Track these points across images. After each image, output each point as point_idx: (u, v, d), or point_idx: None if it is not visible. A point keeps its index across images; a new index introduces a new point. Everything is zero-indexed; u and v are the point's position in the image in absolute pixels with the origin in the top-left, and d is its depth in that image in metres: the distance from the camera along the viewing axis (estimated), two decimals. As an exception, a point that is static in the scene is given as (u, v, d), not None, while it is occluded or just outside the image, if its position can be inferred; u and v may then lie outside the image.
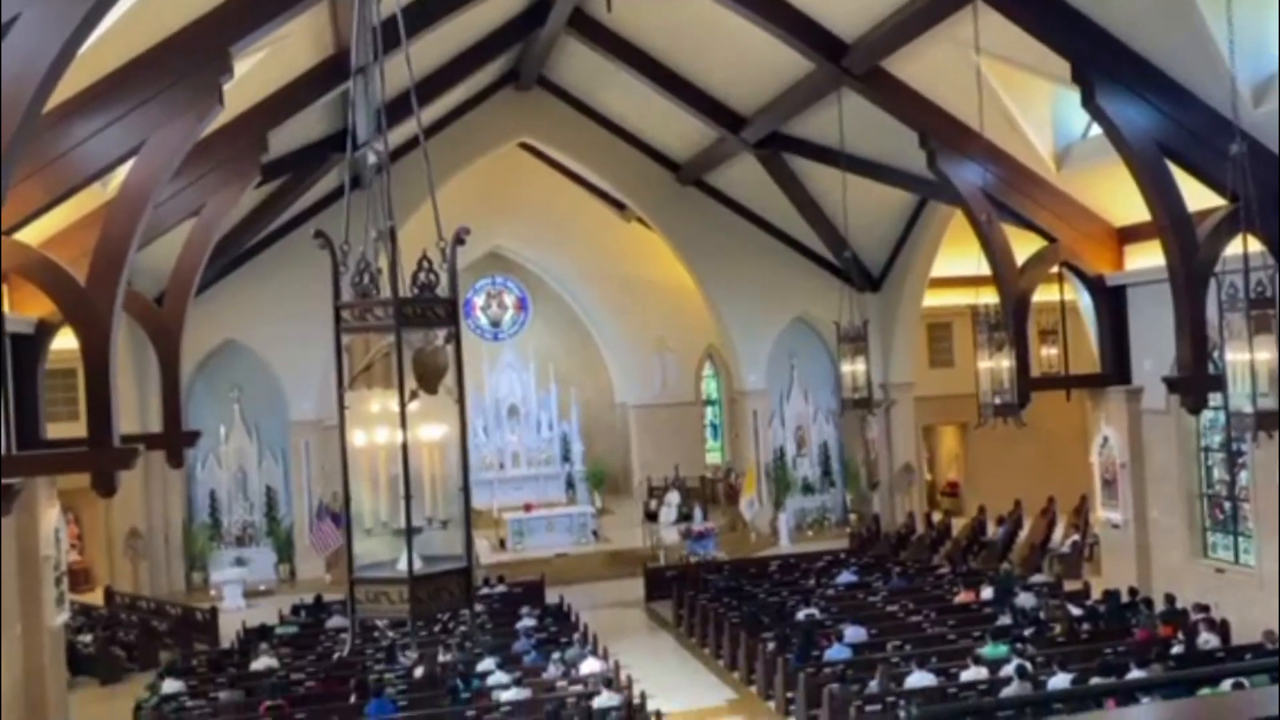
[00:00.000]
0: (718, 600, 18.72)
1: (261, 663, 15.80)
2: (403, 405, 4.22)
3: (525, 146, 26.84)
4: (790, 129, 21.16)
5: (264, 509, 24.02)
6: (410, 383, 4.24)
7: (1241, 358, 11.13)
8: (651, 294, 29.42)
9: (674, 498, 26.09)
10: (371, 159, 5.10)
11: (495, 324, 32.25)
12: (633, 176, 25.90)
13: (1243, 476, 16.34)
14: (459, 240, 4.37)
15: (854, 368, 18.26)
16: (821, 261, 25.58)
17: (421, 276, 4.32)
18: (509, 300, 32.43)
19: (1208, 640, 14.23)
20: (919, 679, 13.24)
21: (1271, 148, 13.86)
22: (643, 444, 30.23)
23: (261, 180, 17.06)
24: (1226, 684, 8.88)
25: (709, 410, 31.89)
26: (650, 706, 13.09)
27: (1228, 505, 16.82)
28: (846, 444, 26.88)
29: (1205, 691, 9.30)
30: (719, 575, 20.65)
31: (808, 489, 26.65)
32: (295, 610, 19.64)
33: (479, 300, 32.00)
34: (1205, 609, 15.20)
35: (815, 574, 20.76)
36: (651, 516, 25.81)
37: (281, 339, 23.17)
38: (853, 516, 26.40)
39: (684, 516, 25.07)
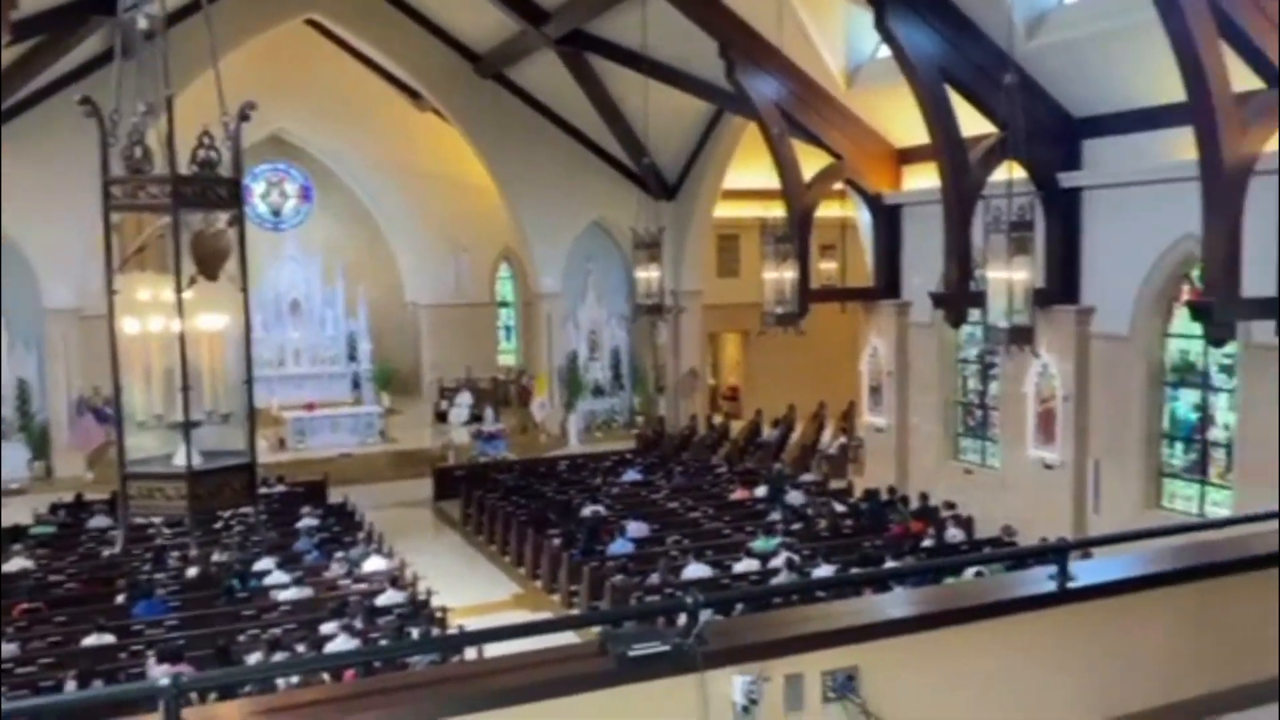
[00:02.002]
0: (506, 499, 18.92)
1: (15, 564, 14.79)
2: (179, 291, 3.96)
3: (312, 24, 25.26)
4: (594, 28, 20.86)
5: (15, 403, 22.20)
6: (188, 268, 3.98)
7: (1001, 277, 12.06)
8: (447, 190, 28.65)
9: (465, 399, 25.97)
10: (142, 23, 4.66)
11: (276, 213, 30.60)
12: (429, 65, 24.91)
13: (993, 387, 17.82)
14: (244, 116, 4.08)
15: (648, 274, 18.53)
16: (620, 167, 25.62)
17: (201, 153, 4.03)
18: (291, 189, 30.77)
19: (955, 534, 15.63)
20: (695, 570, 13.93)
21: (1041, 80, 14.86)
22: (434, 344, 29.78)
23: (11, 39, 15.30)
24: (969, 572, 9.80)
25: (503, 312, 31.68)
26: (436, 602, 13.18)
27: (979, 413, 18.34)
28: (637, 349, 27.42)
29: (950, 580, 10.25)
30: (508, 475, 20.83)
31: (598, 392, 27.11)
32: (53, 510, 18.41)
33: (258, 187, 30.17)
34: (953, 506, 16.65)
35: (602, 473, 21.27)
36: (441, 417, 25.62)
37: (34, 217, 21.14)
38: (639, 418, 27.12)
39: (475, 418, 25.04)
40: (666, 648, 3.67)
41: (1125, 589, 4.49)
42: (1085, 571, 4.47)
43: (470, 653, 8.51)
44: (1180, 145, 12.31)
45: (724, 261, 28.66)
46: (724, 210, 26.19)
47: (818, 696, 3.92)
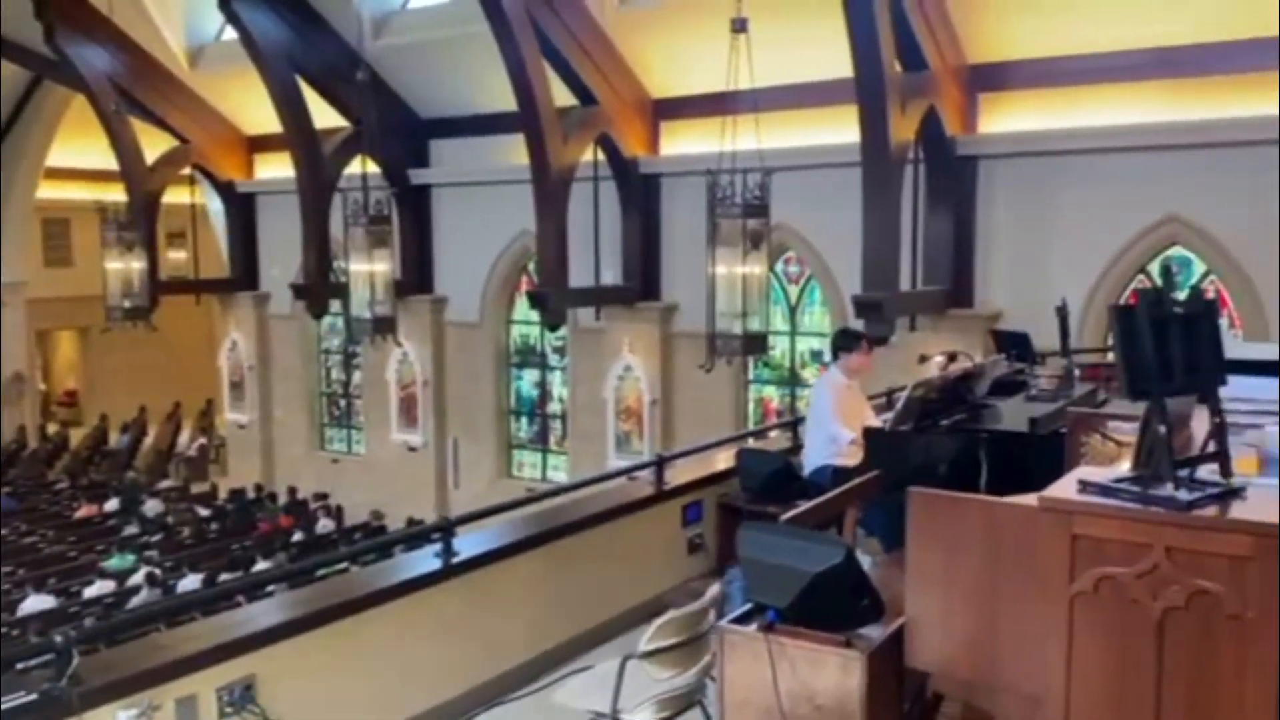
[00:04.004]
0: None
1: None
2: None
3: None
4: None
5: None
6: None
7: (362, 269, 12.36)
8: None
9: None
10: None
11: None
12: None
13: (356, 376, 18.18)
14: None
15: (-48, 264, 15.72)
16: (-98, 135, 21.29)
17: None
18: None
19: (326, 525, 15.71)
20: (36, 603, 12.26)
21: (390, 80, 15.43)
22: None
23: None
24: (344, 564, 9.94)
25: None
26: None
27: (343, 402, 18.60)
28: (-62, 352, 23.07)
29: (323, 572, 10.28)
30: None
31: (-116, 406, 22.32)
32: None
33: None
34: (324, 497, 16.73)
35: (-102, 505, 17.64)
36: None
37: None
38: (-53, 435, 22.92)
39: None
40: (33, 696, 3.25)
41: (499, 556, 4.96)
42: (464, 545, 4.85)
43: None
44: (516, 150, 13.65)
45: (52, 249, 25.16)
46: (50, 191, 23.08)
47: (214, 714, 3.76)
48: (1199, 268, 10.81)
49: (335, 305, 15.85)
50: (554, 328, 14.28)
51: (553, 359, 16.09)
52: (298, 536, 15.06)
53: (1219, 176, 10.27)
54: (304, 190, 15.29)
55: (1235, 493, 2.77)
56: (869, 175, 10.59)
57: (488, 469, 16.31)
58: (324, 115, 15.30)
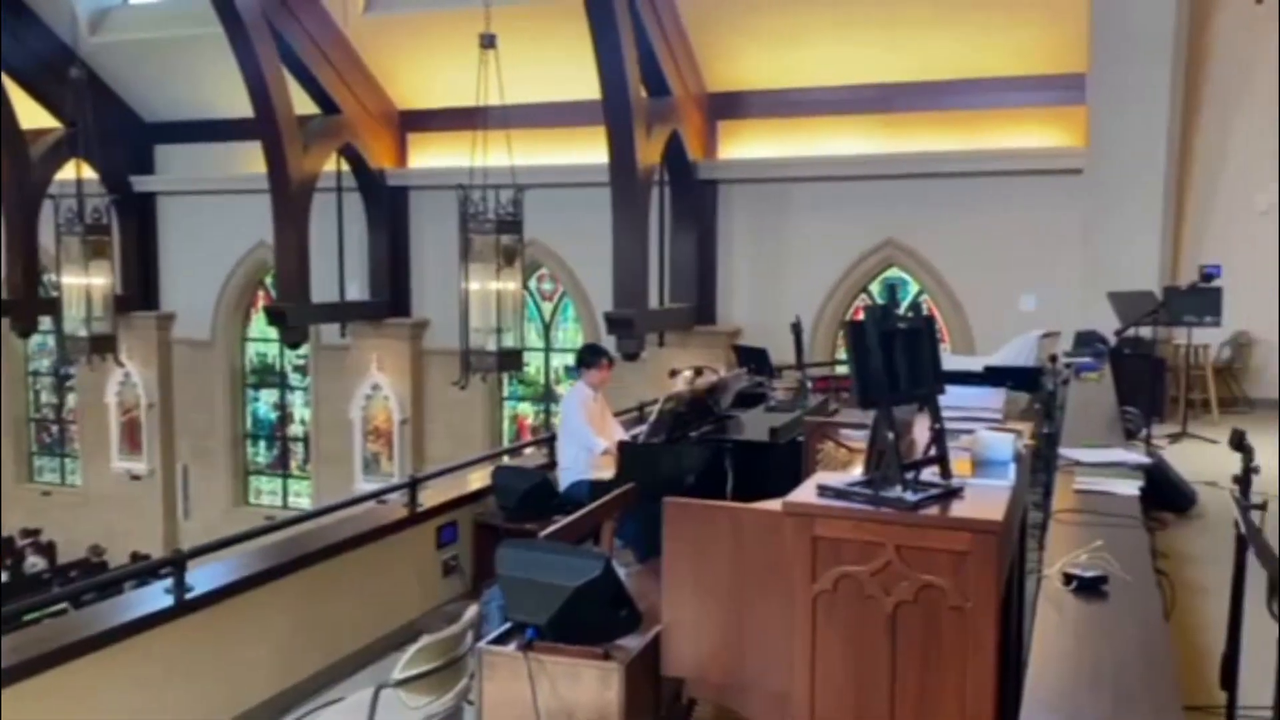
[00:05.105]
0: None
1: None
2: None
3: None
4: None
5: None
6: None
7: (78, 282, 11.36)
8: None
9: None
10: None
11: None
12: None
13: (70, 399, 16.65)
14: None
15: None
16: None
17: None
18: None
19: (35, 564, 14.30)
20: None
21: (109, 80, 14.33)
22: None
23: None
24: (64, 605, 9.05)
25: None
26: None
27: (55, 428, 16.98)
28: None
29: (34, 615, 9.34)
30: None
31: None
32: None
33: None
34: (34, 533, 15.22)
35: None
36: None
37: None
38: None
39: None
40: None
41: (238, 589, 4.67)
42: (199, 579, 4.53)
43: None
44: (251, 158, 12.98)
45: None
46: None
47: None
48: (913, 287, 11.80)
49: (46, 322, 14.56)
50: (294, 345, 13.65)
51: (293, 378, 15.38)
52: (2, 578, 13.64)
53: (927, 204, 11.28)
54: (8, 196, 13.92)
55: (954, 493, 3.02)
56: (617, 195, 10.85)
57: (222, 497, 15.35)
58: (32, 114, 13.99)
